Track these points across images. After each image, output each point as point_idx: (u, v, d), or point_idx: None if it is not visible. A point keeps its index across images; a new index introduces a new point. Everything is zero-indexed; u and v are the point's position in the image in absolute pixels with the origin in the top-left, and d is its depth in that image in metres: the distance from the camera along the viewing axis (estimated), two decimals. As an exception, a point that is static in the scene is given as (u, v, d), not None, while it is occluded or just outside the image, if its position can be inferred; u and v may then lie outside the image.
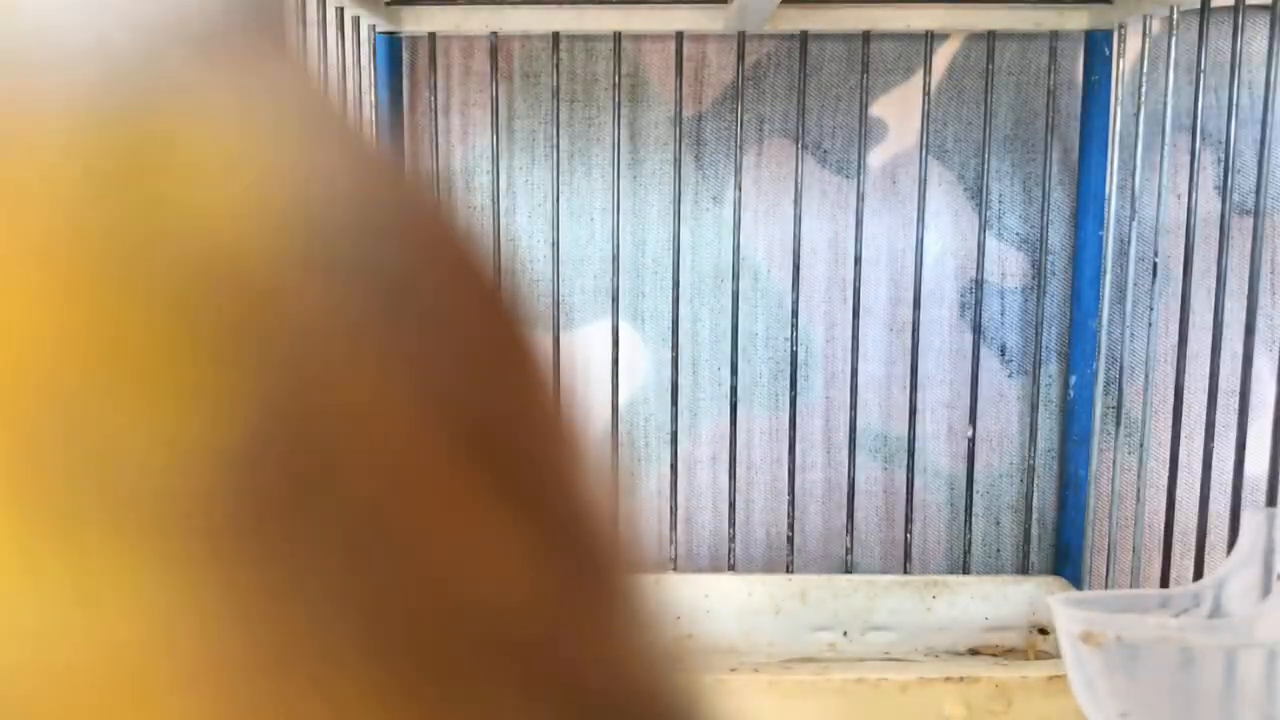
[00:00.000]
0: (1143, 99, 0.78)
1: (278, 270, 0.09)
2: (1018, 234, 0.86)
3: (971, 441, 0.85)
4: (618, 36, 0.81)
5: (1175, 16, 0.74)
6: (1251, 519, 0.60)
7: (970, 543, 0.86)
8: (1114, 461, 0.82)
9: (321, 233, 0.09)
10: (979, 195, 0.84)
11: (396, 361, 0.10)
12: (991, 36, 0.82)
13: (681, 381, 0.86)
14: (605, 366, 0.85)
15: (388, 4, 0.80)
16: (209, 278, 0.09)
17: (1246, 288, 0.72)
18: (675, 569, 0.85)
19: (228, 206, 0.09)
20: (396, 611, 0.09)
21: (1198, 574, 0.72)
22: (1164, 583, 0.76)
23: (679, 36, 0.81)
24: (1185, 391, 0.75)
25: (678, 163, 0.82)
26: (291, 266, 0.09)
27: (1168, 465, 0.75)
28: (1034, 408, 0.85)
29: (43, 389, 0.08)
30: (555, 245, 0.83)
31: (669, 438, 0.85)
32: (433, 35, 0.82)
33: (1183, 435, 0.77)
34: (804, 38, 0.82)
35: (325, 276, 0.09)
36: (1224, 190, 0.71)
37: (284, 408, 0.09)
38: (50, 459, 0.08)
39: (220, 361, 0.09)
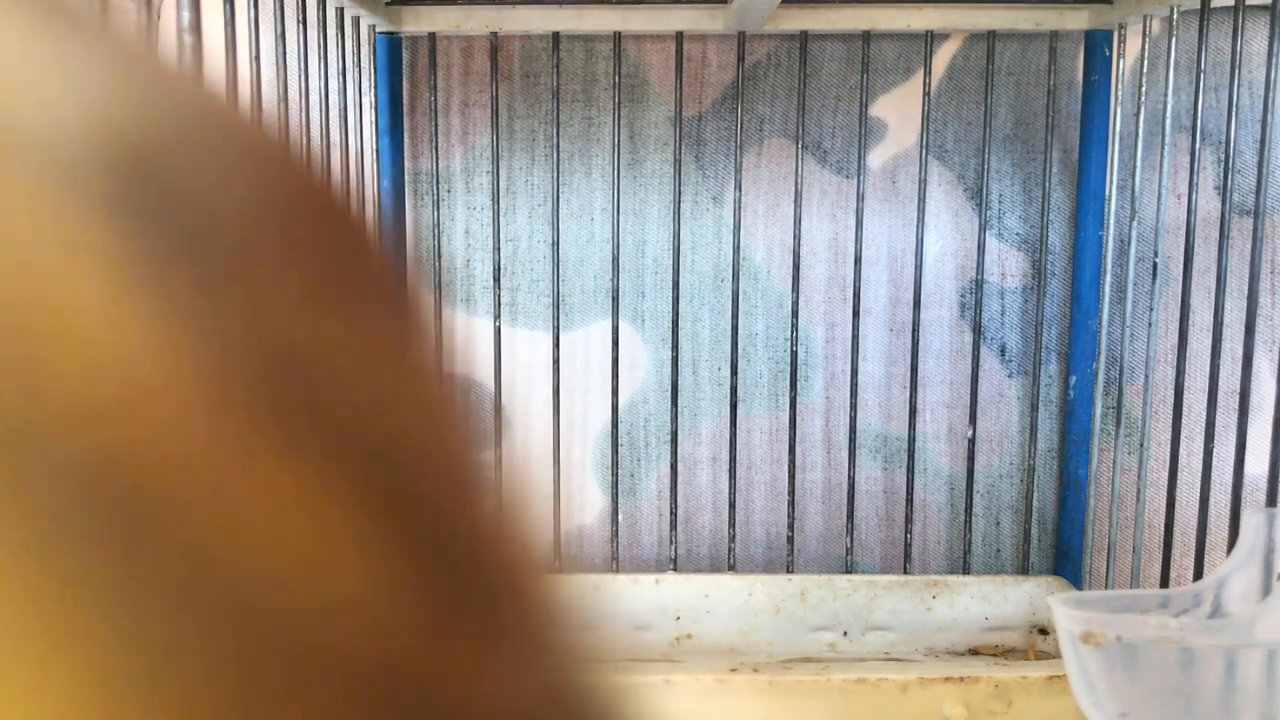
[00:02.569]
0: (1143, 99, 0.78)
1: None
2: (1018, 234, 0.86)
3: (971, 441, 0.85)
4: (618, 36, 0.81)
5: (1175, 16, 0.74)
6: (1251, 519, 0.60)
7: (970, 543, 0.86)
8: (1114, 461, 0.82)
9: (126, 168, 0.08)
10: (979, 195, 0.84)
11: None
12: (991, 36, 0.82)
13: (681, 381, 0.86)
14: (605, 366, 0.85)
15: (388, 4, 0.80)
16: None
17: (1246, 288, 0.72)
18: (675, 569, 0.85)
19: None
20: (228, 633, 0.08)
21: (1198, 574, 0.72)
22: (1164, 583, 0.76)
23: (679, 36, 0.81)
24: (1185, 391, 0.75)
25: (678, 163, 0.82)
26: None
27: (1168, 465, 0.75)
28: (1034, 408, 0.85)
29: None
30: (555, 245, 0.83)
31: (669, 438, 0.85)
32: (433, 35, 0.82)
33: (1183, 435, 0.77)
34: (804, 38, 0.82)
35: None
36: (1224, 190, 0.71)
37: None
38: None
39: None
